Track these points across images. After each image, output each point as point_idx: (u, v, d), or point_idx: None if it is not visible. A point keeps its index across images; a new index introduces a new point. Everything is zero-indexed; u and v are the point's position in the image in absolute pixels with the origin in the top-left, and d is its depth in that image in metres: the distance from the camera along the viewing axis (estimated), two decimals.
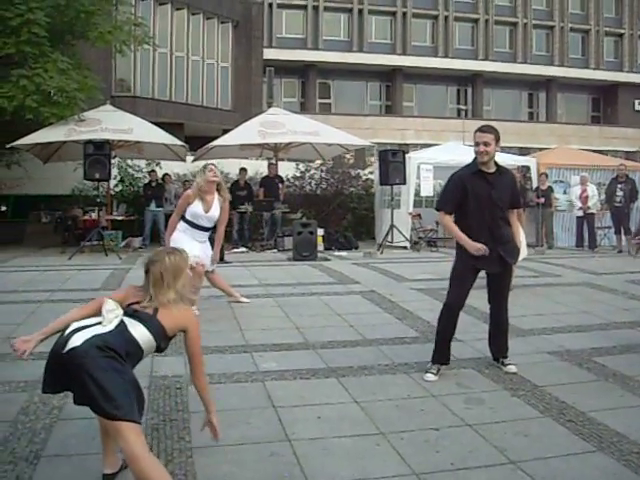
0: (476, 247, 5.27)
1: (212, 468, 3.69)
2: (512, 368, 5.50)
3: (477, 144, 5.38)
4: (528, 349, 6.25)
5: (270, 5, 41.47)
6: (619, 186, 16.25)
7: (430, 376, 5.32)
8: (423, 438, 4.11)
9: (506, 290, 5.71)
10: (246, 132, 16.68)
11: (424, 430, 4.22)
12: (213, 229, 8.09)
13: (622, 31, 47.58)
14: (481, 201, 5.37)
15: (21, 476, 3.60)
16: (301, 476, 3.58)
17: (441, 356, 5.49)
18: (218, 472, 3.65)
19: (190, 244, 7.39)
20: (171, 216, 8.21)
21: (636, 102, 45.49)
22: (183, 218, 7.88)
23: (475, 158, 5.48)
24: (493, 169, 5.48)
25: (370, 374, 5.46)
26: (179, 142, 17.40)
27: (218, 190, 7.95)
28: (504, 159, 18.59)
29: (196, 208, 7.77)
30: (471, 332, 6.92)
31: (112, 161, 15.29)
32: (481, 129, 5.49)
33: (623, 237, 16.17)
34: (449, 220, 5.52)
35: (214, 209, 7.84)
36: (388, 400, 4.81)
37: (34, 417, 4.45)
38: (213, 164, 8.09)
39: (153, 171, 17.59)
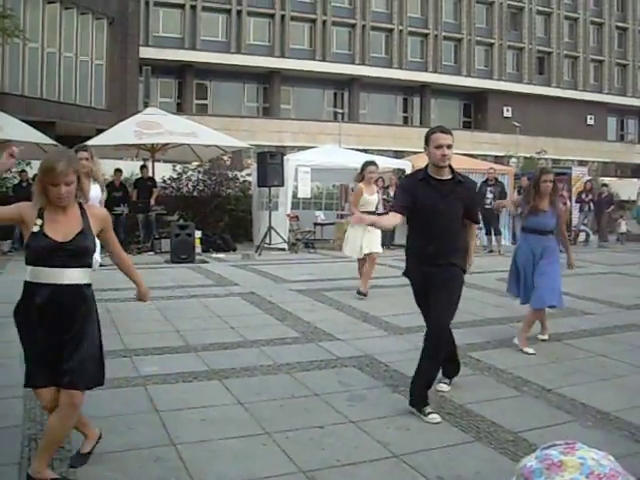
0: (361, 220, 5.31)
1: (95, 476, 3.60)
2: (435, 418, 4.46)
3: (439, 147, 4.67)
4: (406, 346, 6.40)
5: (147, 3, 40.85)
6: (489, 189, 16.90)
7: (444, 386, 5.11)
8: (308, 436, 4.16)
9: (445, 303, 4.81)
10: (122, 132, 16.32)
11: (309, 428, 4.27)
12: None
13: (492, 40, 49.70)
14: (427, 212, 4.72)
15: None
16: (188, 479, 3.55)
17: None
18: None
19: None
20: None
21: (504, 109, 47.59)
22: None
23: (426, 165, 4.86)
24: (448, 176, 4.80)
25: (253, 375, 5.47)
26: (51, 141, 16.82)
27: (94, 177, 7.18)
28: (380, 162, 19.01)
29: None
30: (351, 331, 7.06)
31: None
32: (442, 130, 4.77)
33: (493, 237, 16.84)
34: (391, 215, 4.89)
35: (92, 193, 7.19)
36: (272, 400, 4.83)
37: None
38: (84, 147, 7.41)
39: (24, 171, 16.90)
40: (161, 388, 5.08)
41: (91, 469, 3.67)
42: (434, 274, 4.73)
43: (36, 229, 3.41)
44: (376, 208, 9.94)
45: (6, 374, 5.23)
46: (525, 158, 37.78)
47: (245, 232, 19.02)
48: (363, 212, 9.20)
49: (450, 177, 4.81)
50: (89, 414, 4.40)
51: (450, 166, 4.82)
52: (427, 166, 4.86)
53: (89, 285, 3.58)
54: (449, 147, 4.70)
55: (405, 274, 5.04)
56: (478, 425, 4.37)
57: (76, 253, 3.47)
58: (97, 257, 7.55)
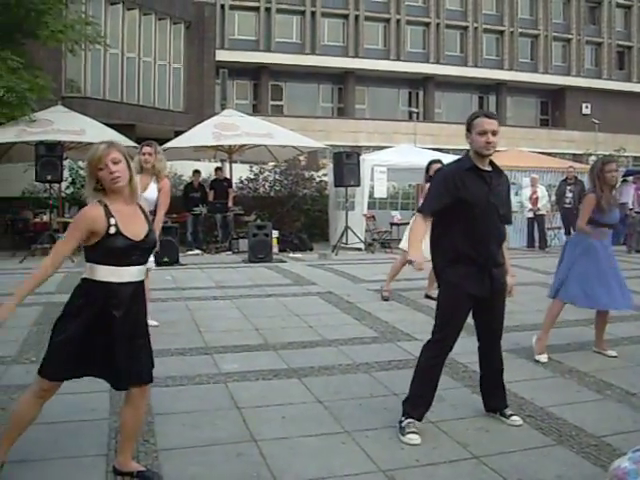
0: (417, 257, 4.20)
1: (179, 470, 3.68)
2: (517, 420, 4.39)
3: (483, 133, 4.19)
4: None
5: (222, 6, 41.40)
6: (568, 188, 16.58)
7: (413, 437, 4.11)
8: (387, 435, 4.16)
9: (499, 324, 4.54)
10: (200, 134, 16.62)
11: (388, 428, 4.28)
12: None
13: (570, 36, 48.60)
14: (477, 206, 4.19)
15: None
16: (269, 475, 3.61)
17: (417, 407, 4.30)
18: (186, 474, 3.65)
19: None
20: None
21: (583, 106, 46.46)
22: None
23: (467, 153, 4.38)
24: (489, 167, 4.36)
25: (332, 374, 5.50)
26: (132, 143, 17.22)
27: (156, 174, 7.12)
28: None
29: None
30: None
31: (64, 163, 15.07)
32: (487, 114, 4.29)
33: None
34: (419, 224, 4.33)
35: (150, 190, 7.01)
36: (351, 399, 4.85)
37: None
38: (149, 143, 7.28)
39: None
40: (241, 385, 5.16)
41: (175, 463, 3.76)
42: (490, 279, 4.29)
43: (113, 230, 3.37)
44: None
45: None
46: (605, 156, 36.82)
47: (321, 232, 19.11)
48: None
49: (491, 168, 4.36)
50: (172, 410, 4.53)
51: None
52: (466, 156, 4.37)
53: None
54: (494, 134, 4.20)
55: (445, 282, 4.37)
56: (560, 428, 4.30)
57: (149, 250, 3.57)
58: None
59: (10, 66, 14.95)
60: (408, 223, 18.39)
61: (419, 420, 4.23)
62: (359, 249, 16.26)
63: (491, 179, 4.29)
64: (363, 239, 16.50)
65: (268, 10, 42.94)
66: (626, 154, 37.21)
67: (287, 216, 18.56)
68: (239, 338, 6.71)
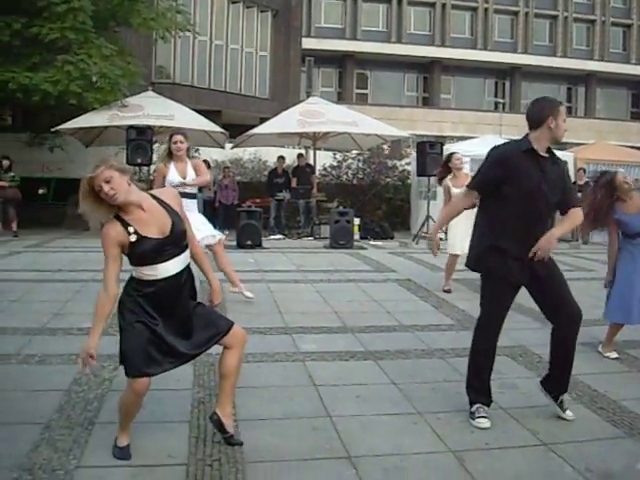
0: (433, 234, 4.66)
1: (257, 439, 3.87)
2: (570, 416, 4.33)
3: (565, 121, 4.21)
4: None
5: None
6: None
7: (482, 420, 4.20)
8: (459, 419, 4.26)
9: (564, 287, 4.39)
10: (286, 120, 16.85)
11: (460, 412, 4.37)
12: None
13: None
14: (526, 191, 4.10)
15: (77, 440, 3.81)
16: (342, 449, 3.76)
17: (479, 393, 4.37)
18: (262, 443, 3.83)
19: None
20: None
21: None
22: None
23: (526, 135, 4.28)
24: (546, 154, 4.25)
25: (407, 358, 5.62)
26: (219, 129, 17.62)
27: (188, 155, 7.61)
28: None
29: (172, 177, 7.37)
30: (506, 321, 7.04)
31: (153, 146, 15.55)
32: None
33: None
34: (457, 199, 4.54)
35: (190, 175, 7.42)
36: (424, 383, 4.97)
37: (86, 387, 4.67)
38: (179, 131, 7.70)
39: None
40: (319, 365, 5.33)
41: (253, 433, 3.95)
42: (536, 267, 4.23)
43: (134, 238, 3.48)
44: None
45: None
46: None
47: (402, 221, 19.17)
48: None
49: (548, 155, 4.26)
50: (252, 384, 4.72)
51: None
52: (525, 139, 4.27)
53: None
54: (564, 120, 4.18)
55: (487, 269, 4.35)
56: (632, 422, 4.29)
57: (180, 241, 3.63)
58: (215, 232, 7.77)
59: (104, 53, 15.49)
60: None
61: (487, 405, 4.30)
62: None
63: (546, 166, 4.20)
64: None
65: None
66: None
67: (369, 204, 18.69)
68: (318, 320, 6.89)
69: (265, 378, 4.90)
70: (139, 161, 14.75)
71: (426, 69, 43.70)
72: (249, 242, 13.14)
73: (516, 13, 44.68)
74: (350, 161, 19.96)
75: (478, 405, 4.27)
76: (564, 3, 44.84)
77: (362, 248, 13.89)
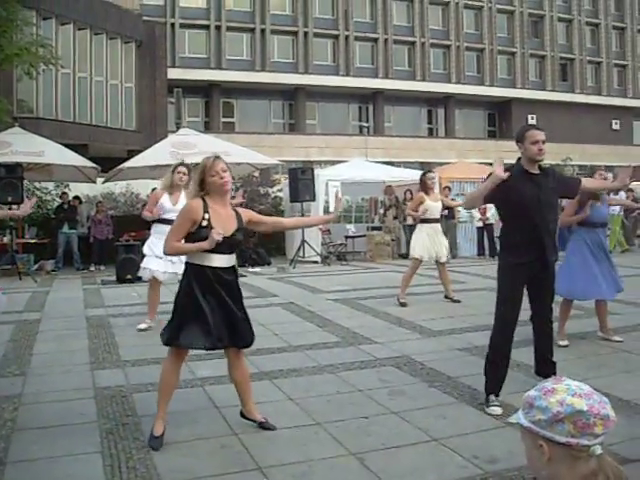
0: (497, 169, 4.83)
1: (171, 461, 4.07)
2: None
3: (535, 142, 4.97)
4: (440, 347, 6.87)
5: (172, 25, 41.73)
6: None
7: (495, 409, 4.87)
8: (355, 425, 4.62)
9: (549, 297, 5.31)
10: (158, 153, 16.89)
11: (355, 419, 4.74)
12: None
13: (514, 49, 50.03)
14: (529, 206, 4.92)
15: None
16: (252, 462, 4.03)
17: (495, 385, 5.05)
18: (177, 464, 4.04)
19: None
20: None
21: (529, 117, 47.68)
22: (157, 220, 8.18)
23: (518, 160, 5.14)
24: (537, 171, 5.10)
25: (300, 375, 5.95)
26: (91, 164, 17.47)
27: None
28: (406, 174, 19.52)
29: (165, 202, 8.03)
30: (388, 335, 7.53)
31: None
32: (536, 127, 5.13)
33: None
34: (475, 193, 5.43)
35: (181, 202, 7.87)
36: (319, 396, 5.30)
37: None
38: (185, 165, 8.24)
39: (65, 193, 17.62)
40: (217, 388, 5.55)
41: (166, 456, 4.15)
42: (541, 267, 5.03)
43: (205, 223, 4.24)
44: (441, 215, 10.72)
45: (78, 377, 5.77)
46: (551, 165, 37.88)
47: (277, 246, 19.53)
48: (427, 219, 10.01)
49: (539, 171, 5.10)
50: (153, 412, 4.90)
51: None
52: (518, 163, 5.13)
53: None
54: (544, 142, 5.01)
55: (504, 266, 5.11)
56: (508, 413, 4.78)
57: (235, 244, 4.37)
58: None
59: None
60: (363, 236, 19.05)
61: (497, 395, 4.97)
62: (316, 262, 16.72)
63: (540, 180, 5.03)
64: (319, 252, 16.96)
65: (218, 28, 43.41)
66: (572, 163, 38.37)
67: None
68: None
69: (170, 404, 5.08)
70: (9, 199, 14.40)
71: (291, 96, 44.60)
72: (129, 276, 13.11)
73: (375, 40, 46.37)
74: None
75: (492, 396, 4.96)
76: (420, 30, 46.96)
77: (242, 275, 14.04)
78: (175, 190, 8.05)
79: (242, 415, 4.66)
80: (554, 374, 5.10)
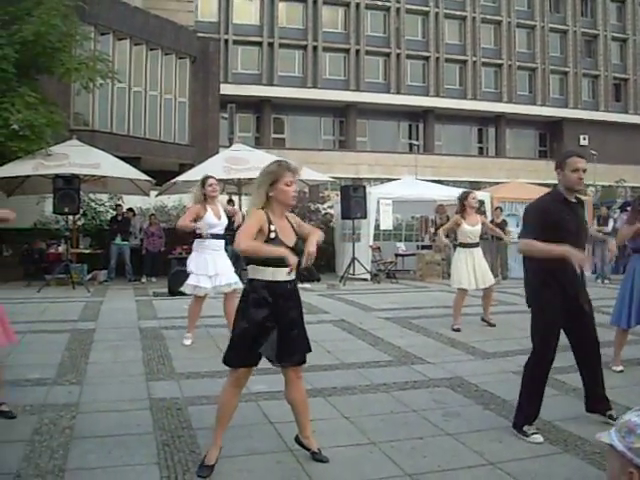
0: (573, 252, 4.58)
1: (226, 475, 4.10)
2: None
3: (576, 170, 4.82)
4: (494, 369, 6.80)
5: (226, 41, 42.27)
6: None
7: (537, 437, 4.74)
8: (410, 446, 4.59)
9: (595, 331, 5.10)
10: (211, 167, 16.92)
11: (410, 439, 4.71)
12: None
13: (567, 69, 49.57)
14: (569, 235, 4.73)
15: None
16: (307, 479, 4.03)
17: (532, 416, 4.90)
18: (232, 478, 4.07)
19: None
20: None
21: (581, 137, 47.15)
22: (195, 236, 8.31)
23: (555, 187, 5.03)
24: (574, 199, 4.99)
25: (353, 393, 5.93)
26: (145, 177, 17.73)
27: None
28: (458, 193, 19.35)
29: (209, 219, 8.08)
30: (441, 355, 7.47)
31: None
32: (579, 154, 4.93)
33: None
34: (531, 240, 4.81)
35: (222, 215, 8.28)
36: (373, 415, 5.28)
37: (48, 437, 4.78)
38: (211, 176, 8.32)
39: (119, 205, 17.91)
40: (271, 403, 5.56)
41: (221, 469, 4.16)
42: (580, 296, 4.90)
43: (273, 235, 4.17)
44: (481, 237, 10.05)
45: (133, 388, 5.85)
46: (603, 187, 37.48)
47: (327, 263, 19.53)
48: (465, 243, 9.62)
49: (576, 200, 4.99)
50: (210, 425, 4.94)
51: None
52: (556, 191, 4.99)
53: None
54: (584, 171, 4.87)
55: (542, 301, 4.90)
56: (566, 439, 4.73)
57: (298, 254, 4.21)
58: (232, 281, 8.42)
59: (28, 102, 15.47)
60: (413, 254, 18.98)
61: (531, 424, 4.81)
62: (365, 279, 16.70)
63: (577, 210, 4.94)
64: (369, 270, 16.94)
65: (271, 45, 43.86)
66: (624, 184, 37.83)
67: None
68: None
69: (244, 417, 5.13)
70: (66, 210, 14.74)
71: (342, 113, 44.76)
72: (181, 289, 13.21)
73: (427, 58, 46.38)
74: None
75: (528, 426, 4.79)
76: (472, 48, 46.77)
77: None
78: (210, 203, 8.12)
79: (297, 440, 4.49)
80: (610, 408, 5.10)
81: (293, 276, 4.32)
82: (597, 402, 5.14)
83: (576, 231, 4.83)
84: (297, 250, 4.24)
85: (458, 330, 9.24)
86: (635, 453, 1.74)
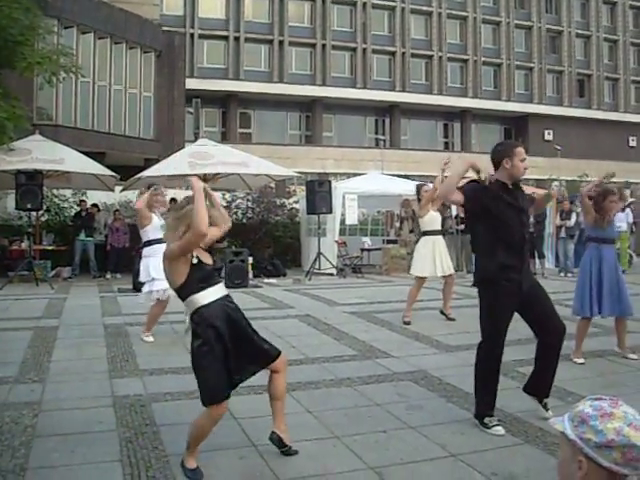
0: (471, 160, 4.84)
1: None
2: (551, 414, 4.85)
3: (524, 159, 4.96)
4: (457, 362, 6.87)
5: (192, 35, 41.99)
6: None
7: (498, 429, 4.78)
8: (373, 439, 4.63)
9: (547, 316, 5.02)
10: (176, 163, 16.95)
11: (374, 433, 4.75)
12: None
13: (532, 65, 50.03)
14: (511, 220, 4.86)
15: None
16: (271, 475, 4.05)
17: (489, 407, 4.93)
18: None
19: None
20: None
21: (545, 132, 47.65)
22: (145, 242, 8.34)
23: (492, 175, 5.02)
24: (512, 187, 5.01)
25: (317, 388, 5.97)
26: (109, 172, 17.57)
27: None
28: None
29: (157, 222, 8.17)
30: (405, 349, 7.53)
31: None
32: (522, 145, 5.11)
33: (537, 260, 17.10)
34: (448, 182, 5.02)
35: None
36: (337, 409, 5.31)
37: (10, 435, 4.74)
38: (161, 191, 8.50)
39: (83, 201, 17.75)
40: (235, 399, 5.50)
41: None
42: (525, 281, 4.89)
43: (195, 260, 4.13)
44: (442, 227, 10.23)
45: (96, 385, 5.82)
46: (567, 181, 37.84)
47: (293, 258, 19.57)
48: (428, 231, 9.66)
49: (513, 187, 5.02)
50: (175, 421, 4.92)
51: None
52: (496, 180, 4.95)
53: None
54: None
55: (487, 285, 4.94)
56: (527, 430, 4.80)
57: (218, 271, 4.21)
58: None
59: None
60: (379, 249, 19.06)
61: (491, 416, 4.84)
62: (331, 274, 16.74)
63: (517, 196, 4.97)
64: (335, 265, 16.98)
65: (237, 39, 43.67)
66: (588, 179, 38.23)
67: (259, 243, 18.98)
68: None
69: (187, 415, 5.09)
70: (29, 206, 14.58)
71: (308, 108, 44.73)
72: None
73: (393, 53, 46.52)
74: (239, 201, 20.24)
75: (491, 417, 4.84)
76: (438, 44, 47.02)
77: (257, 287, 14.17)
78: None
79: (271, 438, 4.38)
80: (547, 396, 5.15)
81: (226, 290, 4.36)
82: (540, 386, 5.14)
83: (517, 216, 4.89)
84: (216, 266, 4.32)
85: (408, 323, 9.26)
86: (585, 443, 1.78)
